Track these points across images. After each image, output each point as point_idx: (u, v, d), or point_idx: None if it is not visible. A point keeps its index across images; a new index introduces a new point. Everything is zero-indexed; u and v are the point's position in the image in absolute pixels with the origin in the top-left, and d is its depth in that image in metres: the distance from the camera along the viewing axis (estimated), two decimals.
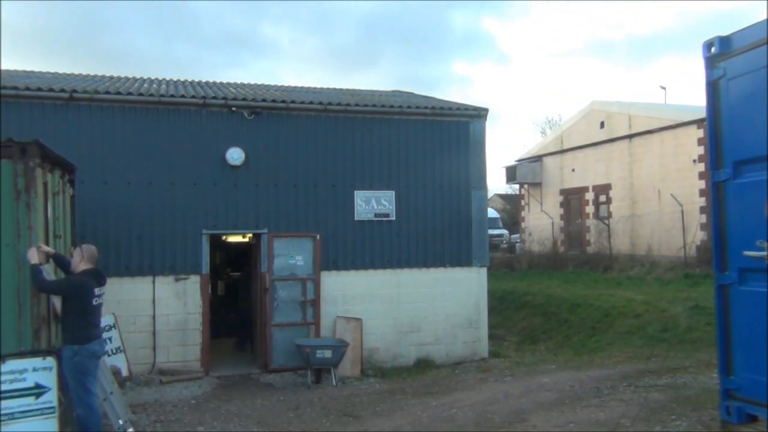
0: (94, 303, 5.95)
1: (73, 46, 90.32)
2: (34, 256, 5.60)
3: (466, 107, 12.09)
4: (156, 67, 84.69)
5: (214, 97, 10.76)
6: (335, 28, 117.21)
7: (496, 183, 66.77)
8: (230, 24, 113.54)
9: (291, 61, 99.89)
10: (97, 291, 5.95)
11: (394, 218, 11.37)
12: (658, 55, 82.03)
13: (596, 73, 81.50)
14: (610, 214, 22.29)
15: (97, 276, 6.06)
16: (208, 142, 10.47)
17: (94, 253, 6.13)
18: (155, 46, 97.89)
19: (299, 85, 15.87)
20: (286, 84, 15.95)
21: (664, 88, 54.22)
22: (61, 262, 6.25)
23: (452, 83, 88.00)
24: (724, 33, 4.82)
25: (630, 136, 21.70)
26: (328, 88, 15.34)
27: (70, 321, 5.80)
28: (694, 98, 27.88)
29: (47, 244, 6.07)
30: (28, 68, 20.59)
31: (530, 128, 76.14)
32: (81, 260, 6.02)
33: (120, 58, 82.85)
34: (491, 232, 20.22)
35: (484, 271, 11.90)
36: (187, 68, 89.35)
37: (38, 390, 5.38)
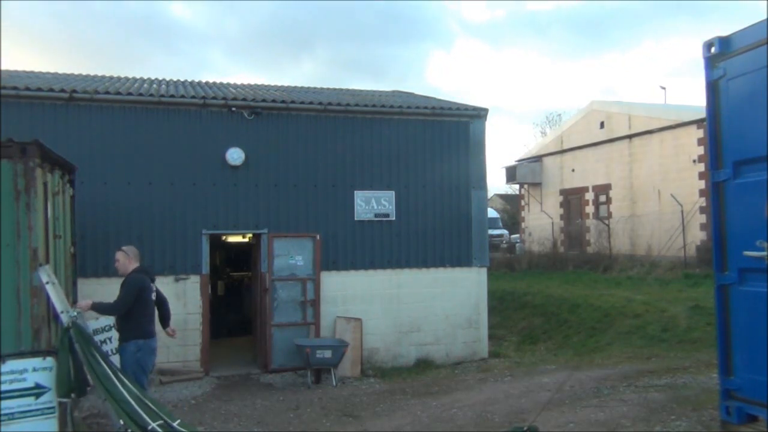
0: (152, 298, 6.42)
1: None
2: (85, 304, 6.06)
3: (466, 107, 12.09)
4: (72, 56, 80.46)
5: (214, 97, 10.76)
6: (248, 5, 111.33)
7: (496, 183, 66.98)
8: (134, 5, 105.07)
9: (222, 46, 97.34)
10: (152, 287, 6.46)
11: (394, 218, 11.36)
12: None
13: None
14: (610, 214, 22.28)
15: (148, 272, 6.54)
16: (208, 142, 10.47)
17: (137, 252, 6.57)
18: (58, 28, 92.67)
19: (300, 85, 15.88)
20: (285, 84, 15.96)
21: (664, 88, 54.30)
22: (101, 305, 6.44)
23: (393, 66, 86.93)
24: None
25: (630, 136, 21.69)
26: (328, 88, 15.34)
27: (134, 318, 6.18)
28: (694, 98, 27.92)
29: (47, 244, 6.08)
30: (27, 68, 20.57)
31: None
32: (129, 261, 6.45)
33: (19, 45, 79.09)
34: (491, 232, 20.22)
35: (484, 271, 11.89)
36: (103, 55, 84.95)
37: (38, 390, 5.37)
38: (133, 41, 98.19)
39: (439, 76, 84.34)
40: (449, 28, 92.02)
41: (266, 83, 16.92)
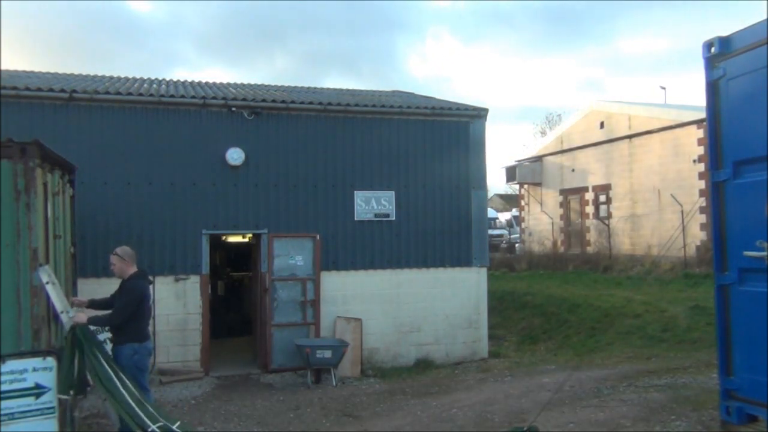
0: (150, 304, 6.35)
1: None
2: (81, 318, 5.83)
3: (466, 107, 12.09)
4: (38, 54, 79.59)
5: (214, 97, 10.76)
6: None
7: (496, 183, 66.87)
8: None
9: (189, 41, 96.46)
10: (149, 291, 6.38)
11: (394, 218, 11.36)
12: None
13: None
14: (610, 214, 22.28)
15: (146, 276, 6.38)
16: (208, 142, 10.47)
17: (132, 253, 6.36)
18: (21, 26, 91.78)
19: (300, 84, 15.88)
20: (285, 84, 15.96)
21: (664, 88, 54.10)
22: (101, 303, 6.39)
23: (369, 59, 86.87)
24: None
25: (630, 137, 21.69)
26: (328, 89, 15.35)
27: (131, 322, 6.07)
28: (694, 98, 27.90)
29: (47, 244, 6.08)
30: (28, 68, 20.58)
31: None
32: (126, 264, 6.23)
33: None
34: (491, 232, 20.22)
35: (484, 271, 11.90)
36: (70, 54, 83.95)
37: (38, 390, 5.37)
38: (99, 39, 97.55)
39: (424, 72, 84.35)
40: (427, 20, 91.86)
41: (265, 83, 16.90)
